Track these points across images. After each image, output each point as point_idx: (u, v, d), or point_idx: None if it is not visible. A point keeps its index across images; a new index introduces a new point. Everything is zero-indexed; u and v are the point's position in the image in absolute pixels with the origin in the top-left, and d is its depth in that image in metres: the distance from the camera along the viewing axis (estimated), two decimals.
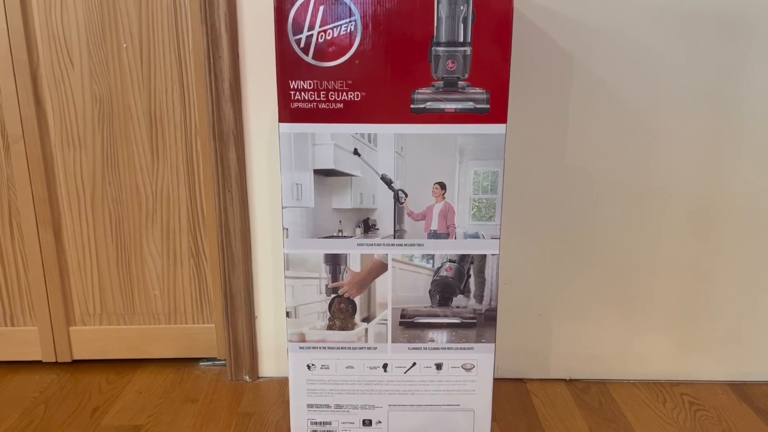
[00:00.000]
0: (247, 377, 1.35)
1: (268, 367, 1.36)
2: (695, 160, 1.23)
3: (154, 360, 1.41)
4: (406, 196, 0.99)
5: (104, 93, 1.26)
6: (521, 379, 1.35)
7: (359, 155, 0.97)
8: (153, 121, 1.28)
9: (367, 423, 1.08)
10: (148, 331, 1.39)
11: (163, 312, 1.38)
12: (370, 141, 0.97)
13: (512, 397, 1.29)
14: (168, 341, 1.40)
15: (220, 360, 1.40)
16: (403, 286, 1.02)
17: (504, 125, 0.96)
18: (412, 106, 0.95)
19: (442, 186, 0.99)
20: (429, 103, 0.95)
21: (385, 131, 0.96)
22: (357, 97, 0.95)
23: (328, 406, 1.07)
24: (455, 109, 0.95)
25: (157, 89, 1.26)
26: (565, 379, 1.35)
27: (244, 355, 1.34)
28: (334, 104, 0.95)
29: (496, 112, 0.95)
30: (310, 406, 1.07)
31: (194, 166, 1.30)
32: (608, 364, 1.34)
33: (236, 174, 1.24)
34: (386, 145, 0.97)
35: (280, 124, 0.96)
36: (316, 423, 1.08)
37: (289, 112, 0.96)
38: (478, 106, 0.95)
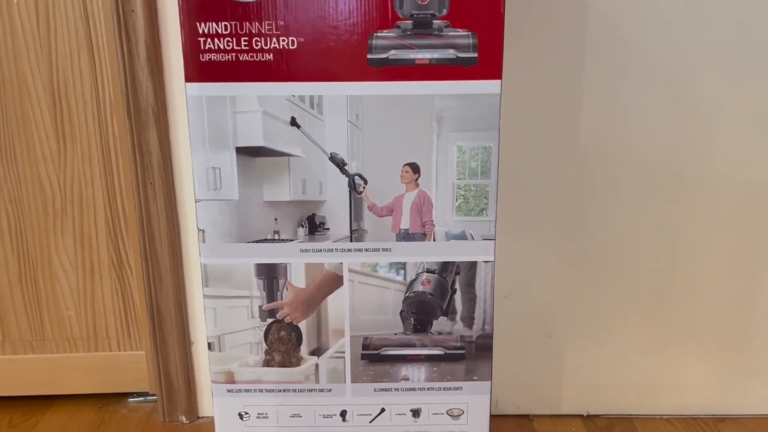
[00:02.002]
0: (184, 418, 1.08)
1: (209, 406, 1.09)
2: (746, 138, 0.97)
3: (71, 396, 1.15)
4: (366, 183, 0.72)
5: None
6: (527, 416, 1.09)
7: (298, 126, 0.70)
8: (56, 97, 1.01)
9: None
10: (62, 360, 1.12)
11: (80, 337, 1.11)
12: (312, 106, 0.70)
13: None
14: (88, 373, 1.13)
15: (153, 395, 1.13)
16: (364, 306, 0.76)
17: (498, 82, 0.69)
18: (369, 55, 0.68)
19: (415, 168, 0.72)
20: (393, 52, 0.68)
21: (334, 92, 0.69)
22: (292, 45, 0.68)
23: None
24: (430, 59, 0.68)
25: (59, 55, 0.99)
26: (581, 415, 1.10)
27: (179, 391, 1.07)
28: (260, 55, 0.68)
29: (488, 64, 0.69)
30: None
31: (111, 153, 1.03)
32: (635, 395, 1.09)
33: (159, 162, 0.98)
34: (336, 112, 0.70)
35: (187, 84, 0.70)
36: None
37: (198, 68, 0.69)
38: (462, 54, 0.68)
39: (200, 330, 1.06)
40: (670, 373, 1.07)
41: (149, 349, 1.08)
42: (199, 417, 1.10)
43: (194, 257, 1.03)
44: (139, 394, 1.15)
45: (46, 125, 1.02)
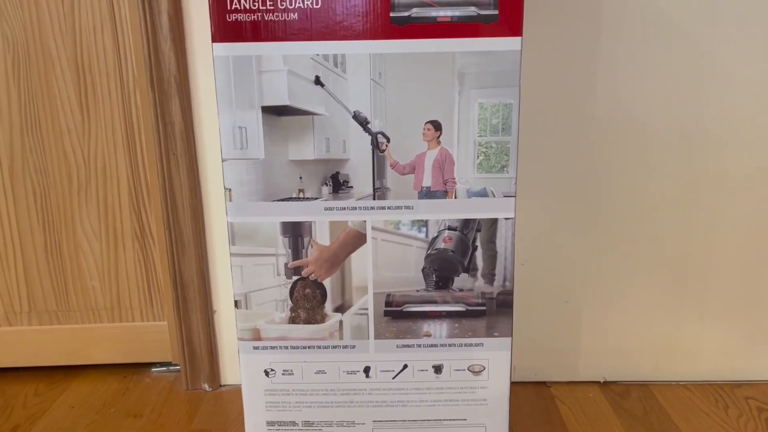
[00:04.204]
0: (206, 385, 1.10)
1: (231, 373, 1.11)
2: (762, 99, 0.96)
3: (96, 366, 1.17)
4: (388, 141, 0.73)
5: (18, 36, 1.01)
6: (544, 383, 1.10)
7: (322, 85, 0.72)
8: (80, 70, 1.03)
9: None
10: (87, 331, 1.14)
11: (104, 308, 1.14)
12: (336, 65, 0.71)
13: (533, 405, 1.04)
14: (112, 343, 1.15)
15: (176, 365, 1.15)
16: (387, 263, 0.77)
17: (519, 39, 0.70)
18: (392, 14, 0.69)
19: (437, 126, 0.73)
20: (415, 10, 0.69)
21: (357, 51, 0.71)
22: (316, 4, 0.69)
23: (294, 423, 0.82)
24: (451, 17, 0.69)
25: (83, 29, 1.01)
26: (598, 382, 1.10)
27: (202, 359, 1.09)
28: (285, 14, 0.70)
29: (508, 21, 0.70)
30: (270, 423, 0.82)
31: (134, 125, 1.05)
32: (652, 361, 1.09)
33: (181, 132, 0.99)
34: (359, 71, 0.71)
35: (214, 44, 0.71)
36: None
37: (224, 27, 0.70)
38: (483, 12, 0.69)
39: (223, 298, 1.08)
40: (687, 339, 1.07)
41: (172, 319, 1.09)
42: (221, 385, 1.12)
43: (216, 226, 1.04)
44: (162, 364, 1.17)
45: (70, 98, 1.04)
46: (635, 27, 0.94)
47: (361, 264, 0.77)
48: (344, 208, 0.75)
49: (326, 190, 0.75)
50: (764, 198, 1.00)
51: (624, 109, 0.97)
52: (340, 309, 0.78)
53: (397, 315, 0.79)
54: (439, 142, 0.73)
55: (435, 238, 0.77)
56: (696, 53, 0.95)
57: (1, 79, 1.02)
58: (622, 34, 0.94)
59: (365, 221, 0.76)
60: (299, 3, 0.69)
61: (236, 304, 0.78)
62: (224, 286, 1.07)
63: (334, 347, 0.79)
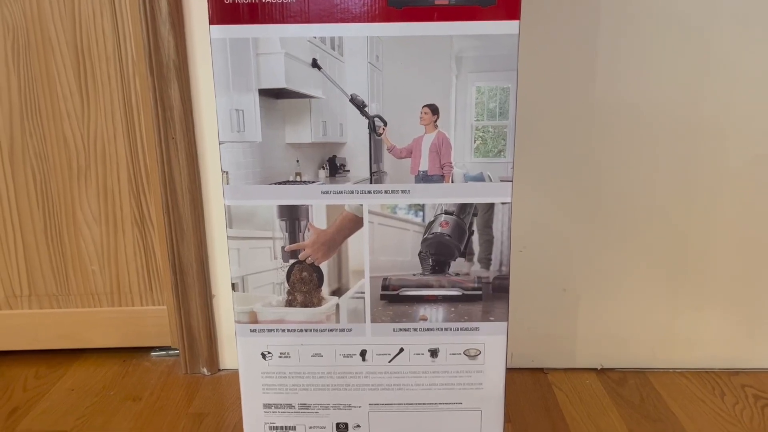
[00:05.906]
0: (205, 370, 1.11)
1: (230, 358, 1.11)
2: (762, 87, 0.96)
3: (96, 350, 1.18)
4: (385, 124, 0.73)
5: (18, 21, 1.01)
6: (541, 369, 1.10)
7: (320, 68, 0.72)
8: (80, 55, 1.03)
9: (342, 427, 0.83)
10: (87, 315, 1.15)
11: (104, 292, 1.14)
12: (333, 48, 0.71)
13: (530, 391, 1.04)
14: (112, 327, 1.16)
15: (175, 349, 1.16)
16: (384, 247, 0.77)
17: (516, 22, 0.70)
18: None
19: (434, 110, 0.73)
20: None
21: (354, 33, 0.70)
22: None
23: (290, 406, 0.82)
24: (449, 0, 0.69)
25: (82, 13, 1.01)
26: (595, 369, 1.10)
27: (200, 343, 1.10)
28: None
29: (506, 4, 0.69)
30: (267, 406, 0.83)
31: (134, 109, 1.05)
32: (649, 349, 1.09)
33: (180, 117, 0.99)
34: (356, 54, 0.71)
35: (211, 26, 0.71)
36: (276, 428, 0.83)
37: (222, 9, 0.70)
38: None
39: (221, 283, 1.08)
40: (685, 327, 1.07)
41: (171, 304, 1.10)
42: (219, 369, 1.12)
43: (215, 211, 1.05)
44: (161, 348, 1.18)
45: (70, 83, 1.04)
46: (636, 13, 0.93)
47: (358, 248, 0.77)
48: (341, 192, 0.75)
49: (323, 173, 0.75)
50: (762, 186, 1.00)
51: (624, 96, 0.97)
52: (337, 292, 0.79)
53: (394, 299, 0.79)
54: (436, 126, 0.73)
55: (431, 223, 0.77)
56: (696, 41, 0.94)
57: (1, 63, 1.03)
58: (622, 21, 0.94)
59: (362, 205, 0.76)
60: None
61: (233, 287, 0.79)
62: (223, 271, 1.07)
63: (331, 330, 0.80)
